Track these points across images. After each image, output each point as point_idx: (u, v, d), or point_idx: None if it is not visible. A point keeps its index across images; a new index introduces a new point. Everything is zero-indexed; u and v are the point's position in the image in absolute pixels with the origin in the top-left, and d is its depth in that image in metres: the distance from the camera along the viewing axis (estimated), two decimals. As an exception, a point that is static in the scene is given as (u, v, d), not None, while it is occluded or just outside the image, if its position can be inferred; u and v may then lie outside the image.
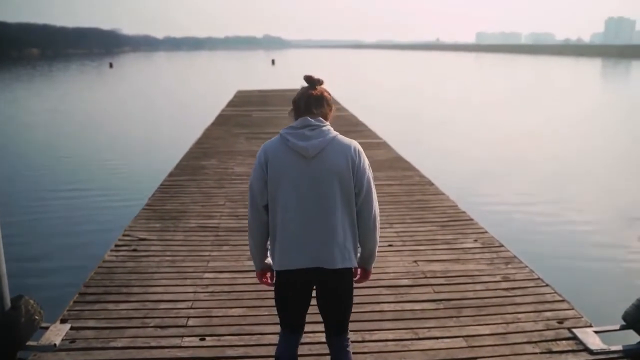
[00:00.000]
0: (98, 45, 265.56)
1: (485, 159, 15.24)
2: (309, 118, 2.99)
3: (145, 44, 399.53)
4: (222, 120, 18.55)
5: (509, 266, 6.08)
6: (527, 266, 6.06)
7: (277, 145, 2.99)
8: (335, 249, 2.96)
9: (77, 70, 79.27)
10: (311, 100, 3.04)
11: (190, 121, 21.45)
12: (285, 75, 56.18)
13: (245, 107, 21.83)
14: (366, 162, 3.03)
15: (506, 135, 19.25)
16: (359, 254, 3.15)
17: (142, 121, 23.89)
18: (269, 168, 2.96)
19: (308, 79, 3.12)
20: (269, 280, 3.27)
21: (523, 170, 13.87)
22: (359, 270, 3.23)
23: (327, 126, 3.01)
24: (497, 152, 16.22)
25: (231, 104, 24.05)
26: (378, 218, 3.09)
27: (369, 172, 3.03)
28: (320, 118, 3.02)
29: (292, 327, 3.27)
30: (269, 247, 3.12)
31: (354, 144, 3.03)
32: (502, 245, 6.70)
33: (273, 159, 2.96)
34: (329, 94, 3.16)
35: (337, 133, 3.02)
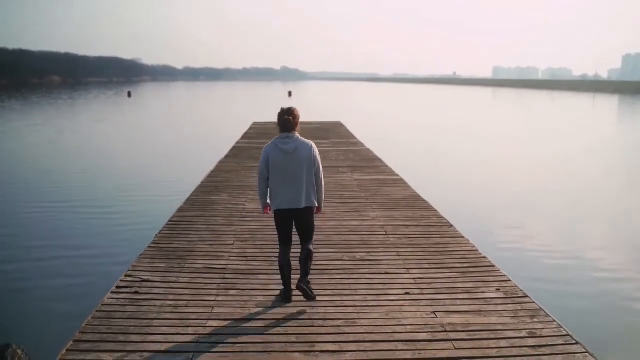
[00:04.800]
0: (118, 75, 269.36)
1: (506, 198, 14.78)
2: (287, 133, 5.74)
3: (165, 74, 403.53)
4: (236, 152, 18.36)
5: (535, 320, 5.64)
6: (554, 320, 5.63)
7: (272, 147, 5.75)
8: (302, 198, 5.75)
9: (95, 99, 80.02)
10: (288, 124, 5.76)
11: (204, 153, 21.32)
12: (302, 108, 56.13)
13: (260, 140, 21.60)
14: (317, 152, 5.82)
15: (528, 173, 18.80)
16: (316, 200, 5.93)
17: (155, 152, 23.77)
18: (270, 160, 5.72)
19: (286, 111, 5.81)
20: (269, 212, 5.99)
21: (547, 211, 13.34)
22: (316, 209, 5.98)
23: (297, 135, 5.77)
24: (518, 191, 15.71)
25: (246, 135, 23.93)
26: (323, 180, 5.92)
27: (319, 158, 5.82)
28: (293, 131, 5.76)
29: (285, 241, 6.00)
30: (269, 197, 5.90)
31: (312, 144, 5.81)
32: (527, 296, 6.27)
33: (270, 155, 5.73)
34: (297, 114, 5.85)
35: (302, 138, 5.77)
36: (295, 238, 6.08)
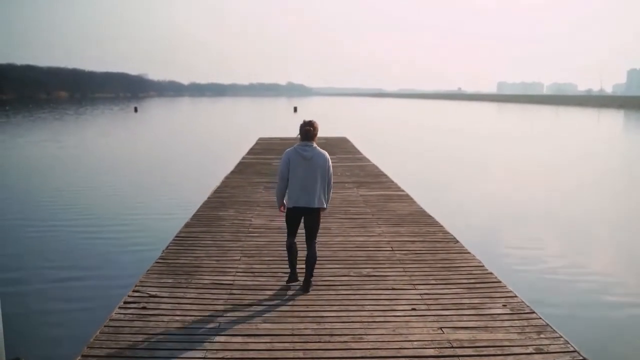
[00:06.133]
0: (125, 90, 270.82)
1: (512, 214, 14.76)
2: (307, 142, 6.70)
3: (171, 89, 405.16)
4: (242, 167, 18.40)
5: (542, 336, 5.64)
6: (561, 336, 5.62)
7: (294, 152, 6.66)
8: (315, 199, 6.65)
9: (102, 114, 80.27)
10: (309, 134, 6.72)
11: (210, 168, 21.40)
12: (307, 123, 56.10)
13: (266, 155, 21.70)
14: (330, 163, 6.77)
15: (534, 188, 18.77)
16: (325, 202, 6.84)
17: (161, 168, 23.80)
18: (290, 163, 6.62)
19: (308, 123, 6.77)
20: (283, 210, 6.88)
21: (554, 227, 13.31)
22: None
23: (315, 145, 6.72)
24: (524, 206, 15.69)
25: (252, 151, 23.98)
26: (332, 187, 6.86)
27: (331, 168, 6.78)
28: (312, 141, 6.71)
29: (292, 233, 6.87)
30: (286, 195, 6.78)
31: (327, 154, 6.77)
32: (534, 312, 6.27)
33: (292, 159, 6.65)
34: (317, 126, 6.78)
35: (319, 148, 6.72)
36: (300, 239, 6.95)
